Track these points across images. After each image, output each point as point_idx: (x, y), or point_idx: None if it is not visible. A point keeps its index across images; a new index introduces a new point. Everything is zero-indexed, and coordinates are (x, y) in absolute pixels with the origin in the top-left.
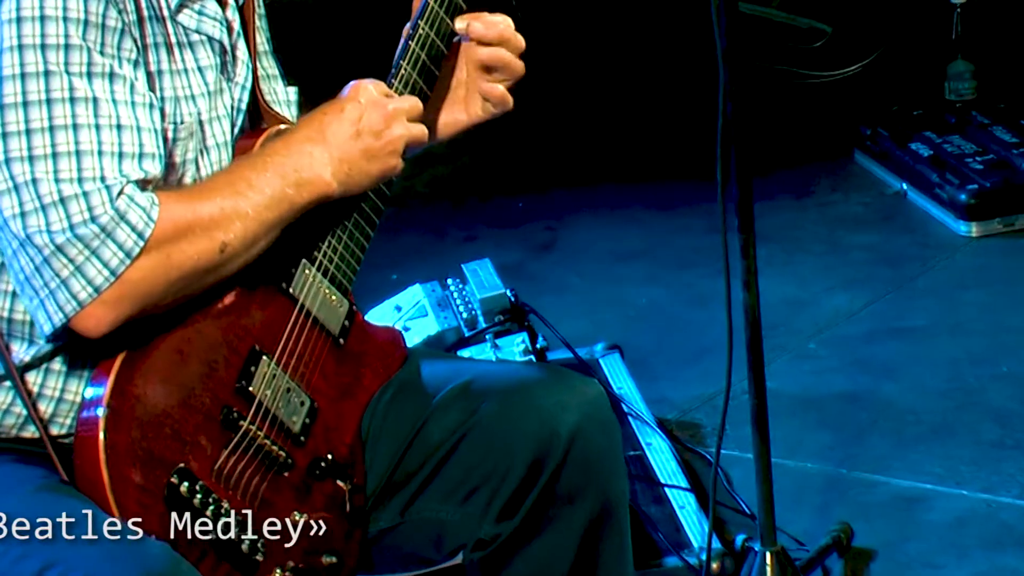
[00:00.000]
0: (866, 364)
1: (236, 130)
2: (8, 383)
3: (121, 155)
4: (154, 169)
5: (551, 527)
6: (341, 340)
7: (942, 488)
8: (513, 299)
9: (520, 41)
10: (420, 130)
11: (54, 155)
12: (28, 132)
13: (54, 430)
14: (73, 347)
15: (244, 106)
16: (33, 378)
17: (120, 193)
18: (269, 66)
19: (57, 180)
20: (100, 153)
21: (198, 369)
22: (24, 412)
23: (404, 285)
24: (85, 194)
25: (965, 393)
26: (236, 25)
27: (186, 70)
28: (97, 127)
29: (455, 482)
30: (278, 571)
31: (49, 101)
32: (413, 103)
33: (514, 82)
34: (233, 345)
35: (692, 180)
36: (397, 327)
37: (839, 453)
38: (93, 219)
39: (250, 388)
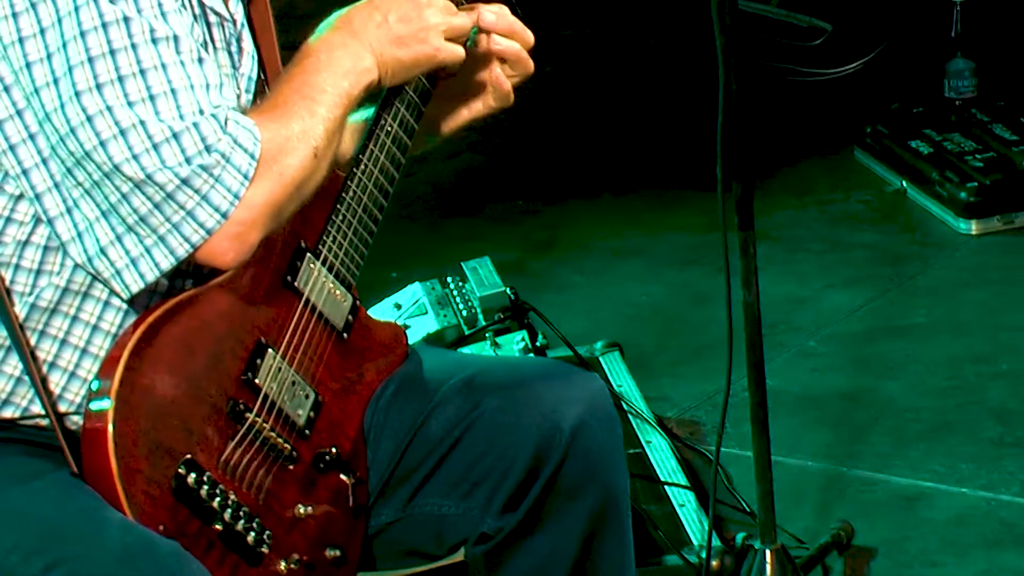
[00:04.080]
0: (866, 362)
1: None
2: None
3: (208, 86)
4: (232, 97)
5: (553, 521)
6: (345, 335)
7: (942, 486)
8: (513, 297)
9: (530, 37)
10: (462, 22)
11: (151, 97)
12: (121, 79)
13: (63, 407)
14: (93, 323)
15: (251, 95)
16: (48, 347)
17: (227, 120)
18: (278, 59)
19: (161, 120)
20: (192, 87)
21: (205, 361)
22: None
23: (403, 283)
24: (195, 125)
25: (965, 391)
26: (240, 16)
27: (207, 42)
28: (183, 63)
29: (457, 476)
30: (283, 563)
31: (134, 46)
32: (446, 2)
33: (523, 79)
34: (239, 337)
35: (692, 178)
36: None
37: (839, 451)
38: (208, 148)
39: (256, 380)
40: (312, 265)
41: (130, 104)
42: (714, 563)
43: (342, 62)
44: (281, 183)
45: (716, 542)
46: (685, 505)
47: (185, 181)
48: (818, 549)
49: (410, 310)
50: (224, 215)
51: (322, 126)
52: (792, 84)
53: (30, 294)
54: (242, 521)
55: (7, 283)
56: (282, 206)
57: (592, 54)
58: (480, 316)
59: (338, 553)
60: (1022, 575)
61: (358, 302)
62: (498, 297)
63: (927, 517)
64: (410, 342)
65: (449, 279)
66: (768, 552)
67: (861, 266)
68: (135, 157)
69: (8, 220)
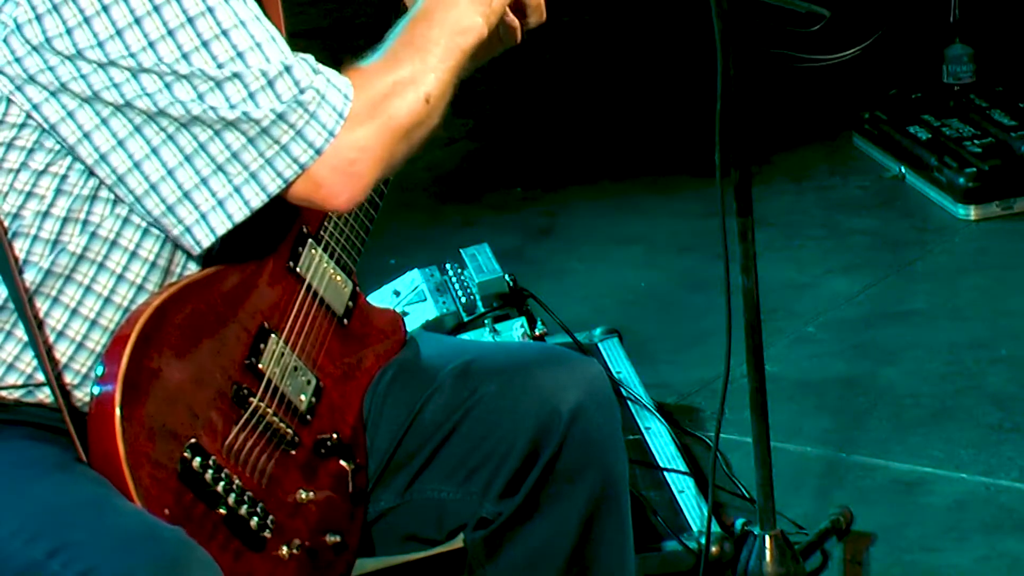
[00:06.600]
0: (865, 348)
1: None
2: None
3: (276, 39)
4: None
5: (552, 505)
6: (345, 321)
7: (941, 472)
8: (512, 284)
9: None
10: None
11: (240, 54)
12: (205, 44)
13: (68, 377)
14: (105, 295)
15: None
16: (58, 315)
17: (317, 66)
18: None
19: (252, 67)
20: (273, 39)
21: (210, 345)
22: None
23: (402, 270)
24: (288, 68)
25: (964, 377)
26: None
27: None
28: (258, 18)
29: (456, 461)
30: (284, 548)
31: (211, 9)
32: None
33: (536, 25)
34: (243, 322)
35: (691, 164)
36: None
37: (838, 437)
38: (302, 89)
39: (259, 365)
40: (313, 251)
41: (219, 65)
42: (713, 549)
43: (458, 20)
44: (389, 126)
45: (715, 528)
46: (684, 491)
47: (281, 116)
48: (817, 535)
49: (409, 297)
50: (318, 151)
51: (433, 74)
52: (790, 70)
53: (46, 261)
54: (246, 506)
55: (24, 253)
56: (392, 149)
57: (590, 41)
58: (479, 303)
59: (338, 539)
60: (1021, 560)
61: (358, 288)
62: (497, 284)
63: (926, 502)
64: (409, 329)
65: (448, 266)
66: (767, 538)
67: (860, 252)
68: (231, 106)
69: (29, 195)
